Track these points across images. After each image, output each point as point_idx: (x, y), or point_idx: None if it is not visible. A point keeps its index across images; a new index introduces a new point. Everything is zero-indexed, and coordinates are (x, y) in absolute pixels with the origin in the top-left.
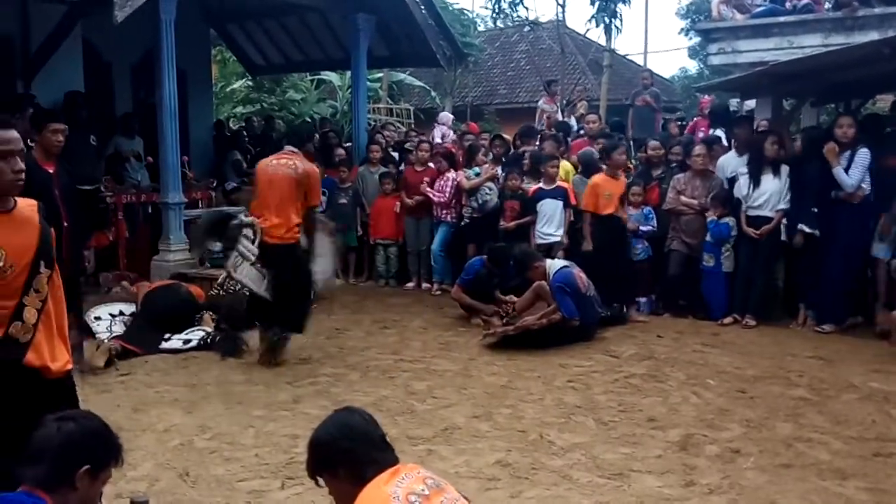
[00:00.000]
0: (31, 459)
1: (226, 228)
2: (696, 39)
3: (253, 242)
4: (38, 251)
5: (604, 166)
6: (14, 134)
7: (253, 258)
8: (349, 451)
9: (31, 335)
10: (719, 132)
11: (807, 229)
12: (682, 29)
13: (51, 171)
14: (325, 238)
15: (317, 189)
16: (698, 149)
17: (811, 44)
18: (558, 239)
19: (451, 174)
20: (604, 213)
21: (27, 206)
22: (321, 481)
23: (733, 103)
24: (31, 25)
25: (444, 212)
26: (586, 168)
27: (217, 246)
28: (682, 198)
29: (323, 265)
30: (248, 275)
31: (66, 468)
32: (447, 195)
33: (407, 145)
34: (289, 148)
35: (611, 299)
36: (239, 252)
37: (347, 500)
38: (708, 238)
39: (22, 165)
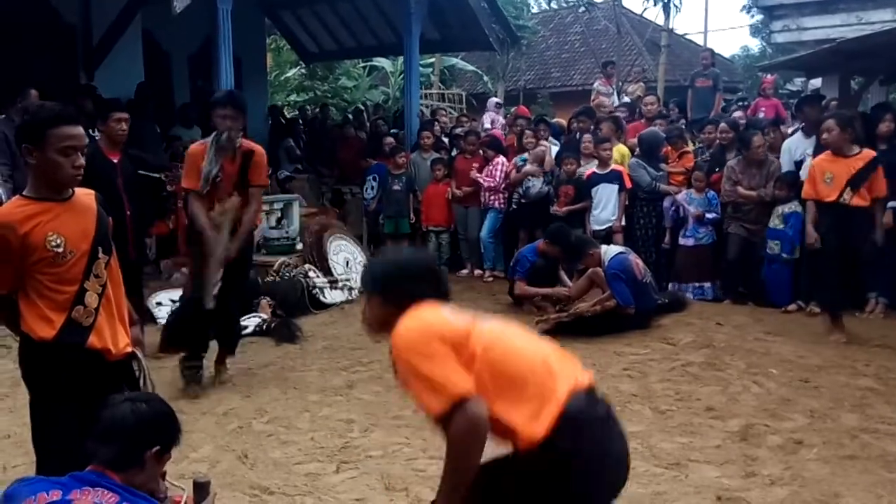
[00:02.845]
0: (103, 439)
1: None
2: (759, 17)
3: None
4: (96, 237)
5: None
6: (78, 130)
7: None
8: (420, 293)
9: (92, 319)
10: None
11: None
12: (744, 6)
13: (115, 160)
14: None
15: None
16: (757, 139)
17: (881, 19)
18: (613, 224)
19: (501, 159)
20: (826, 200)
21: (84, 195)
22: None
23: (797, 83)
24: (92, 16)
25: (493, 198)
26: (650, 150)
27: None
28: (740, 189)
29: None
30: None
31: (138, 449)
32: (497, 179)
33: (458, 131)
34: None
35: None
36: None
37: (387, 326)
38: (782, 227)
39: (82, 161)
